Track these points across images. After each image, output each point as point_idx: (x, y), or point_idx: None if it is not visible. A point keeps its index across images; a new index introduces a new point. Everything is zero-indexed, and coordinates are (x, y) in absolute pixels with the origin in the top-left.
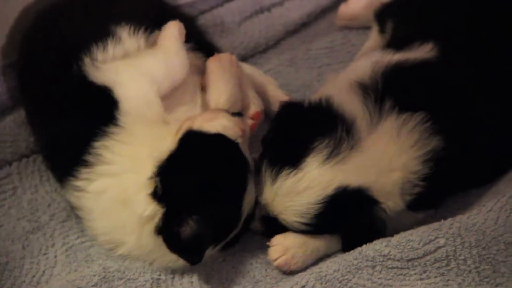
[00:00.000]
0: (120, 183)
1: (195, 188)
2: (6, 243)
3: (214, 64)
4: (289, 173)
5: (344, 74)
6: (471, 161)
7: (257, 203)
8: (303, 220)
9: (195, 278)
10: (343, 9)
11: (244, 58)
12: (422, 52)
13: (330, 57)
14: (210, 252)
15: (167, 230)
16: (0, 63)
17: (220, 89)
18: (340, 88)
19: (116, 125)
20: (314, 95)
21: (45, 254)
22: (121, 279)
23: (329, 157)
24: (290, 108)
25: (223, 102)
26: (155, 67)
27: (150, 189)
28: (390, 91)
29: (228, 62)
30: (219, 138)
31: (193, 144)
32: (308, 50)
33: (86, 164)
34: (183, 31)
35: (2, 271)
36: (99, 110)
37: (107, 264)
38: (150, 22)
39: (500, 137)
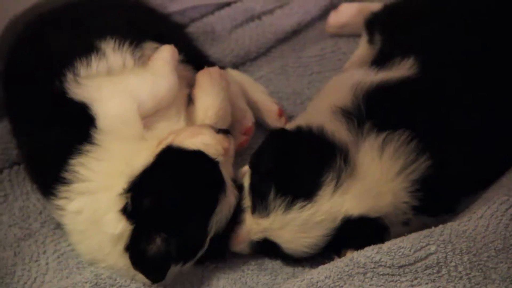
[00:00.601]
0: (94, 203)
1: (164, 205)
2: None
3: (204, 77)
4: (304, 206)
5: (325, 99)
6: (462, 174)
7: (235, 222)
8: (311, 251)
9: (187, 285)
10: (333, 17)
11: (234, 66)
12: (403, 69)
13: (320, 65)
14: (180, 269)
15: (133, 248)
16: None
17: (208, 103)
18: (326, 116)
19: (91, 143)
20: (301, 119)
21: (36, 261)
22: (112, 286)
23: (335, 189)
24: (286, 136)
25: (210, 116)
26: (139, 86)
27: (120, 206)
28: (372, 114)
29: (218, 76)
30: (197, 156)
31: (169, 161)
32: (299, 58)
33: (64, 181)
34: (177, 55)
35: None
36: (75, 127)
37: (99, 271)
38: (139, 33)
39: (488, 146)
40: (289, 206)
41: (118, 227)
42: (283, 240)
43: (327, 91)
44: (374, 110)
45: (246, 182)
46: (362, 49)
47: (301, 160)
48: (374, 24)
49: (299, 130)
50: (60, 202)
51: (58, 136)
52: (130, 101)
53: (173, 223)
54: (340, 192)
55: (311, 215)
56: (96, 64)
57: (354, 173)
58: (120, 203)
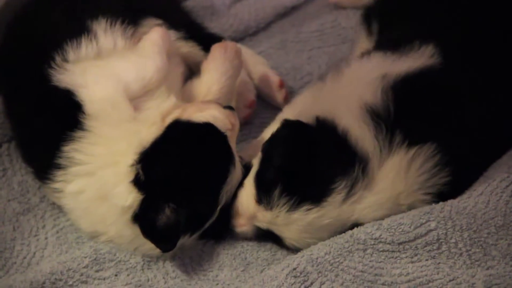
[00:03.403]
0: (97, 181)
1: (175, 176)
2: None
3: (218, 52)
4: (310, 209)
5: (353, 90)
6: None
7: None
8: None
9: (186, 260)
10: None
11: (234, 41)
12: (423, 57)
13: (320, 40)
14: (187, 240)
15: (143, 217)
16: None
17: (214, 78)
18: (355, 115)
19: (82, 129)
20: (319, 106)
21: (35, 235)
22: (112, 261)
23: (347, 197)
24: (304, 131)
25: (214, 91)
26: (124, 69)
27: (131, 177)
28: (400, 120)
29: (233, 53)
30: (207, 128)
31: (179, 133)
32: (299, 33)
33: (60, 167)
34: (167, 36)
35: None
36: (64, 114)
37: (98, 246)
38: (135, 10)
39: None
40: (294, 207)
41: (129, 198)
42: (287, 236)
43: (352, 80)
44: (403, 115)
45: (255, 162)
46: (362, 44)
47: (316, 162)
48: (372, 11)
49: (320, 125)
50: (57, 185)
51: (49, 123)
52: (115, 84)
53: (183, 193)
54: (351, 201)
55: (317, 218)
56: (85, 46)
57: (372, 185)
58: (130, 175)
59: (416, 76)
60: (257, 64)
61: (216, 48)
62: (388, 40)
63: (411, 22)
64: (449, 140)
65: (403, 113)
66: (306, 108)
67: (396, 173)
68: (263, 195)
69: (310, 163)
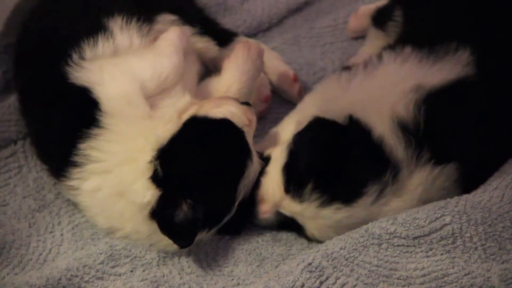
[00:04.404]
0: (114, 178)
1: (192, 172)
2: (13, 221)
3: (241, 51)
4: (340, 208)
5: (385, 98)
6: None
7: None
8: None
9: (201, 256)
10: (354, 21)
11: (247, 37)
12: (458, 65)
13: (333, 36)
14: (204, 236)
15: (161, 213)
16: (3, 41)
17: (235, 77)
18: (387, 124)
19: (98, 127)
20: (346, 106)
21: (51, 232)
22: (127, 257)
23: (376, 200)
24: (337, 131)
25: (234, 90)
26: (141, 67)
27: (149, 174)
28: (429, 137)
29: (256, 53)
30: (225, 124)
31: (196, 129)
32: (312, 28)
33: (76, 164)
34: (184, 36)
35: (9, 249)
36: (80, 112)
37: (114, 242)
38: (149, 7)
39: None
40: (325, 204)
41: (147, 195)
42: (311, 227)
43: (385, 84)
44: (431, 132)
45: (280, 152)
46: (371, 45)
47: (349, 163)
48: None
49: (354, 126)
50: (73, 183)
51: (65, 120)
52: (131, 82)
53: (200, 189)
54: (379, 203)
55: (345, 218)
56: (102, 44)
57: (401, 193)
58: (148, 171)
59: (448, 91)
60: (271, 59)
61: (239, 47)
62: (419, 35)
63: (446, 18)
64: (472, 160)
65: (432, 131)
66: (332, 98)
67: (423, 188)
68: (293, 186)
69: (344, 164)
